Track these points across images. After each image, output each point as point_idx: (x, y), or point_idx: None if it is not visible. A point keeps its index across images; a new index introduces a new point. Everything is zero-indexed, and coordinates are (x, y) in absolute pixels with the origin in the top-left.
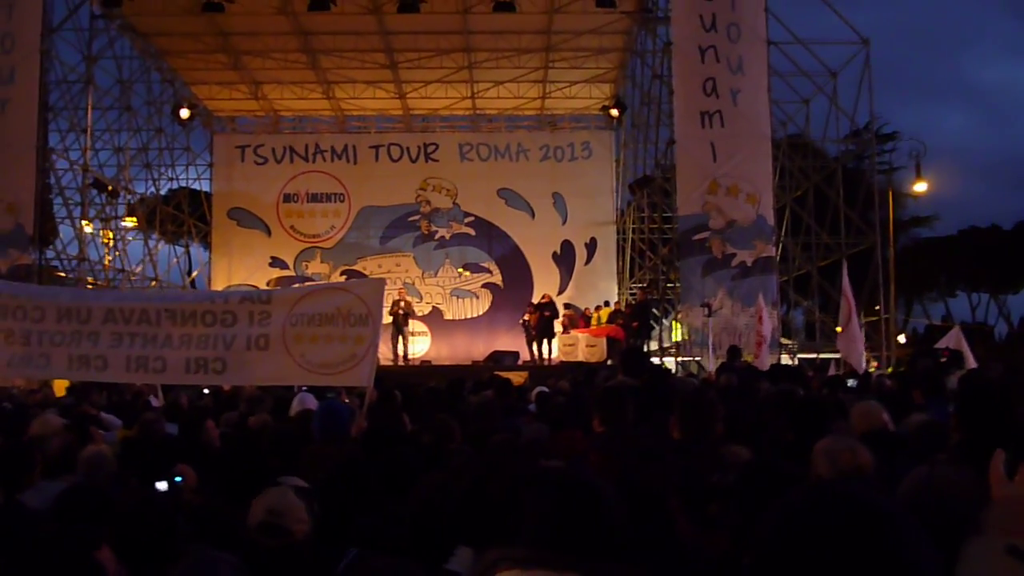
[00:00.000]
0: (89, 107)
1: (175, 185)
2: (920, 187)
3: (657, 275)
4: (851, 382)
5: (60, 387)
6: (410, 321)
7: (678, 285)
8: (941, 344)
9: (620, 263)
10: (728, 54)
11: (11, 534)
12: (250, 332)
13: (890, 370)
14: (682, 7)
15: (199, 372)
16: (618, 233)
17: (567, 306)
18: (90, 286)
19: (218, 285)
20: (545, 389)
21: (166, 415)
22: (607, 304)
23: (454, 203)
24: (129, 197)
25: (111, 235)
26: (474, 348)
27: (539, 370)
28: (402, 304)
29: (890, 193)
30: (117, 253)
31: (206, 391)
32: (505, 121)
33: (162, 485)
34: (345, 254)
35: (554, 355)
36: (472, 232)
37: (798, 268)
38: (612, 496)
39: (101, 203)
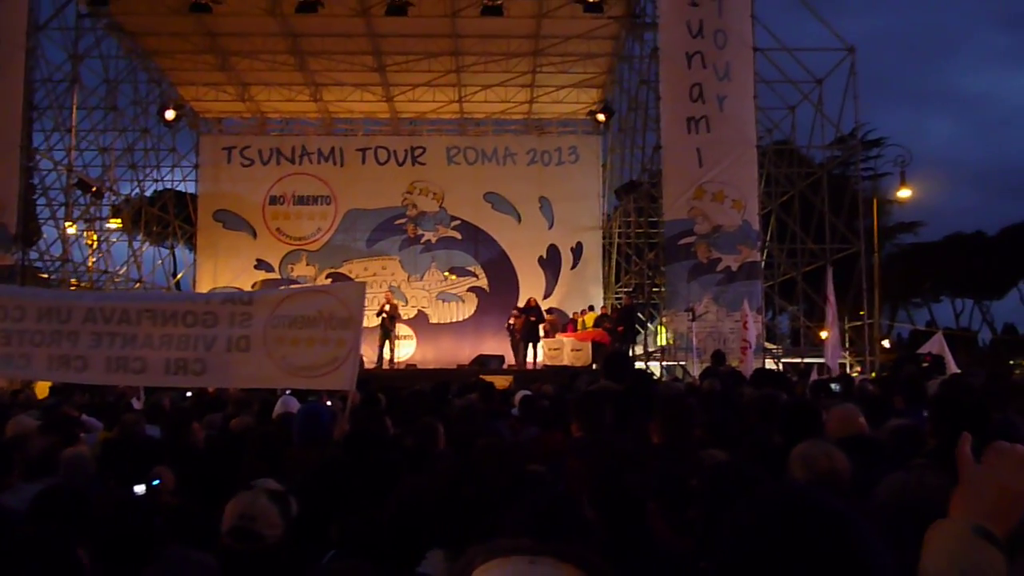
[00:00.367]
0: (74, 107)
1: (160, 186)
2: (904, 193)
3: (643, 280)
4: (835, 386)
5: (43, 388)
6: (396, 325)
7: (664, 290)
8: (924, 349)
9: (606, 268)
10: (715, 60)
11: None
12: (231, 333)
13: (873, 375)
14: (669, 13)
15: (179, 373)
16: (604, 238)
17: (549, 311)
18: (73, 287)
19: (203, 287)
20: (529, 393)
21: (147, 417)
22: (592, 308)
23: (440, 207)
24: (114, 198)
25: (95, 236)
26: (460, 352)
27: (524, 374)
28: (388, 308)
29: (875, 200)
30: (101, 254)
31: (188, 393)
32: (492, 125)
33: (140, 488)
34: (331, 257)
35: (540, 359)
36: (458, 236)
37: (783, 274)
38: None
39: (85, 204)
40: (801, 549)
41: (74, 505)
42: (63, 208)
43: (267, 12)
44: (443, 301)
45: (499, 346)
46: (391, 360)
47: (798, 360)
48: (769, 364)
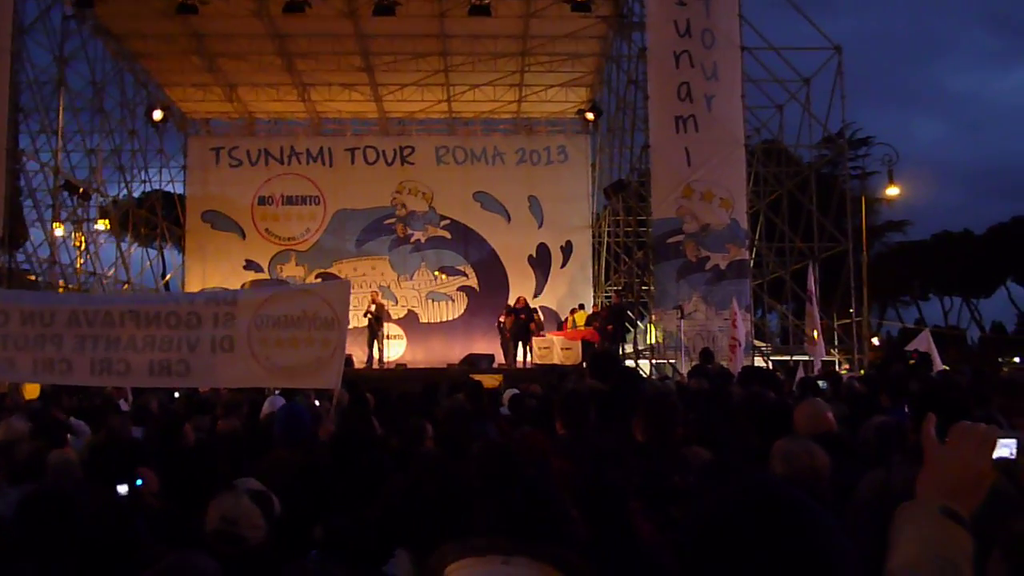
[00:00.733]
0: (60, 109)
1: (148, 187)
2: (892, 192)
3: (632, 279)
4: (822, 384)
5: (32, 391)
6: (385, 324)
7: (653, 289)
8: (911, 347)
9: (595, 267)
10: (702, 60)
11: None
12: (215, 334)
13: (862, 372)
14: (657, 13)
15: (163, 375)
16: (593, 237)
17: (536, 310)
18: (61, 290)
19: (192, 288)
20: (517, 392)
21: (134, 419)
22: (582, 307)
23: (430, 206)
24: (101, 200)
25: (83, 238)
26: (450, 351)
27: (514, 373)
28: (373, 309)
29: (863, 198)
30: (89, 256)
31: (176, 395)
32: (481, 125)
33: (123, 488)
34: (320, 257)
35: (530, 358)
36: (448, 235)
37: (772, 272)
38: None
39: (72, 205)
40: (762, 538)
41: (60, 508)
42: (50, 210)
43: (254, 14)
44: (433, 301)
45: (489, 345)
46: (380, 360)
47: (787, 358)
48: (758, 362)
